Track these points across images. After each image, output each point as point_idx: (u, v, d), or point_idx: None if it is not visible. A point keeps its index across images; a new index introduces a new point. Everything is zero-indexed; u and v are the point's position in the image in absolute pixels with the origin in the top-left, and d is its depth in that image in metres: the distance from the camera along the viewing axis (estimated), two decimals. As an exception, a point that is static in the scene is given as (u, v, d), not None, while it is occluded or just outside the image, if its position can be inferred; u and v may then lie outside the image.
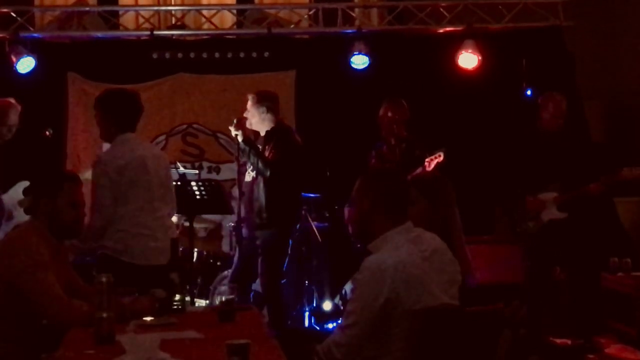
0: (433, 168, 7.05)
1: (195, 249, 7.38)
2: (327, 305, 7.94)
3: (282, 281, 7.28)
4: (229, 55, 8.93)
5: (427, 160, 7.11)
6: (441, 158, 7.06)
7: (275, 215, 6.93)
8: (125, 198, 5.38)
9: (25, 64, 8.27)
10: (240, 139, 6.86)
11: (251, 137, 7.05)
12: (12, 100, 6.68)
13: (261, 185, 6.89)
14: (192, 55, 8.88)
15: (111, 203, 5.33)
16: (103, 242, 5.35)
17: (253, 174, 7.00)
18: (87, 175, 5.67)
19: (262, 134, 7.10)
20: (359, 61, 8.59)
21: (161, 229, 5.49)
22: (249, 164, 7.04)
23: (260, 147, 6.92)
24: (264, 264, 6.96)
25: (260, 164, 6.84)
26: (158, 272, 5.02)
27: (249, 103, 7.08)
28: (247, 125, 7.04)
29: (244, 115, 7.05)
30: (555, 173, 6.98)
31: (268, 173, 6.84)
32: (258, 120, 7.05)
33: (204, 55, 8.90)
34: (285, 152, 6.95)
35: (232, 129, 6.92)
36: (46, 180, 4.47)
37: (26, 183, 4.78)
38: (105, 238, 5.34)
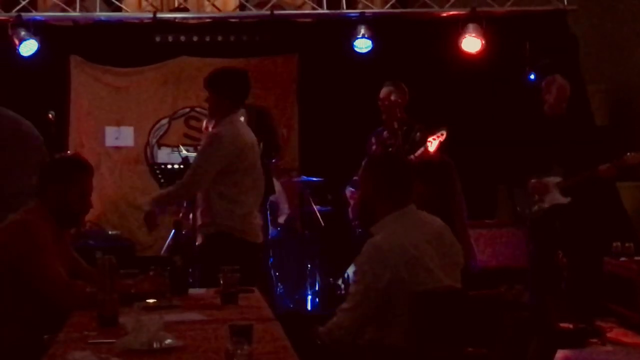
0: (436, 148, 7.05)
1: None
2: (330, 289, 7.96)
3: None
4: (232, 38, 8.92)
5: (428, 140, 7.10)
6: (443, 137, 7.06)
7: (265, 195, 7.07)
8: (241, 177, 5.62)
9: (28, 47, 8.25)
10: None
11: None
12: None
13: None
14: (194, 38, 8.88)
15: (211, 176, 5.56)
16: (222, 221, 5.59)
17: None
18: None
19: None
20: (362, 45, 8.57)
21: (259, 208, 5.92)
22: None
23: None
24: None
25: (264, 146, 6.91)
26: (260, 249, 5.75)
27: None
28: None
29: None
30: (559, 157, 6.98)
31: (274, 155, 7.00)
32: None
33: (207, 38, 8.90)
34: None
35: None
36: (60, 165, 4.45)
37: None
38: (225, 218, 5.57)
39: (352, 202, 7.48)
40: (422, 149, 7.08)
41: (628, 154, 6.81)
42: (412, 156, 6.91)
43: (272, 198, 7.56)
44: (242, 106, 5.89)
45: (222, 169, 5.54)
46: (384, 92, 7.44)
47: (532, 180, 7.04)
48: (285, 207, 8.40)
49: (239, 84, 5.81)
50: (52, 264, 4.10)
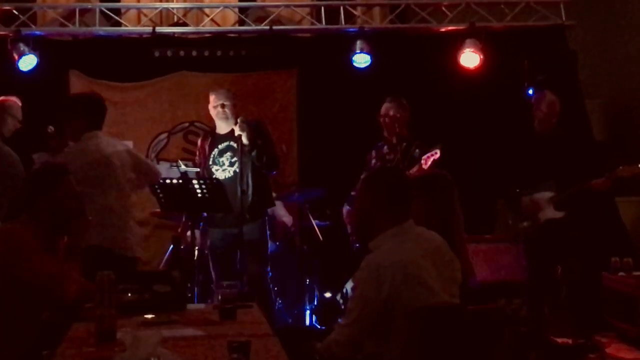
0: (430, 165, 7.05)
1: (197, 247, 7.38)
2: (328, 304, 7.96)
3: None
4: (231, 53, 8.93)
5: (423, 158, 7.11)
6: (437, 155, 7.05)
7: (262, 208, 7.14)
8: (95, 193, 5.72)
9: (27, 62, 8.27)
10: (244, 140, 6.87)
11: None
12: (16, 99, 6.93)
13: (249, 180, 6.95)
14: (194, 53, 8.89)
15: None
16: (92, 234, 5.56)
17: (233, 169, 7.02)
18: None
19: (225, 129, 7.15)
20: (361, 60, 8.60)
21: (132, 221, 6.01)
22: (221, 162, 7.08)
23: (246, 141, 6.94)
24: (255, 257, 7.03)
25: (267, 160, 6.93)
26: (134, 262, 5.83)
27: (227, 98, 7.16)
28: (222, 118, 7.14)
29: (222, 109, 7.14)
30: (550, 172, 6.99)
31: (275, 167, 7.03)
32: (234, 115, 7.12)
33: (206, 53, 8.91)
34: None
35: (236, 128, 6.92)
36: (45, 176, 4.47)
37: None
38: (95, 232, 5.56)
39: (347, 222, 7.49)
40: (417, 167, 7.09)
41: (621, 167, 6.81)
42: (408, 172, 6.92)
43: (269, 212, 7.56)
44: (100, 128, 6.06)
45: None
46: (383, 108, 7.46)
47: (524, 198, 7.05)
48: (287, 220, 8.41)
49: (89, 106, 6.06)
50: (43, 263, 4.12)
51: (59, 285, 4.11)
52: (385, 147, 7.46)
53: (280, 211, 8.42)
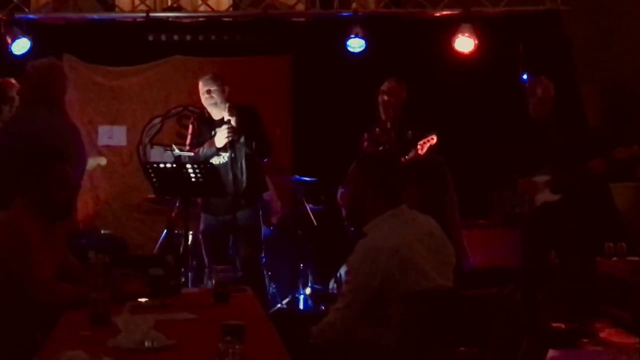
0: (426, 151, 7.06)
1: (191, 232, 7.36)
2: (322, 288, 7.97)
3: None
4: (225, 37, 8.91)
5: (419, 143, 7.11)
6: (434, 140, 7.06)
7: (256, 193, 7.11)
8: None
9: (21, 46, 8.24)
10: (233, 124, 6.86)
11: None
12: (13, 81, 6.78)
13: (243, 165, 6.94)
14: (188, 37, 8.87)
15: None
16: None
17: (228, 154, 6.99)
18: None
19: (218, 115, 7.07)
20: (356, 44, 8.58)
21: None
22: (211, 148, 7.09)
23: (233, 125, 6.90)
24: (249, 242, 7.01)
25: (257, 146, 6.92)
26: None
27: (213, 83, 7.05)
28: (211, 104, 7.06)
29: (209, 95, 7.04)
30: (546, 157, 6.99)
31: (266, 154, 6.99)
32: (223, 99, 7.05)
33: (200, 37, 8.89)
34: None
35: (225, 114, 6.91)
36: (35, 160, 4.38)
37: None
38: None
39: (342, 204, 7.47)
40: (413, 151, 7.09)
41: (617, 148, 6.81)
42: (404, 158, 6.93)
43: (265, 197, 7.56)
44: None
45: None
46: (383, 86, 7.47)
47: (520, 180, 7.05)
48: (278, 206, 8.40)
49: None
50: (38, 262, 4.08)
51: (52, 292, 4.07)
52: (378, 129, 7.45)
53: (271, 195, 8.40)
